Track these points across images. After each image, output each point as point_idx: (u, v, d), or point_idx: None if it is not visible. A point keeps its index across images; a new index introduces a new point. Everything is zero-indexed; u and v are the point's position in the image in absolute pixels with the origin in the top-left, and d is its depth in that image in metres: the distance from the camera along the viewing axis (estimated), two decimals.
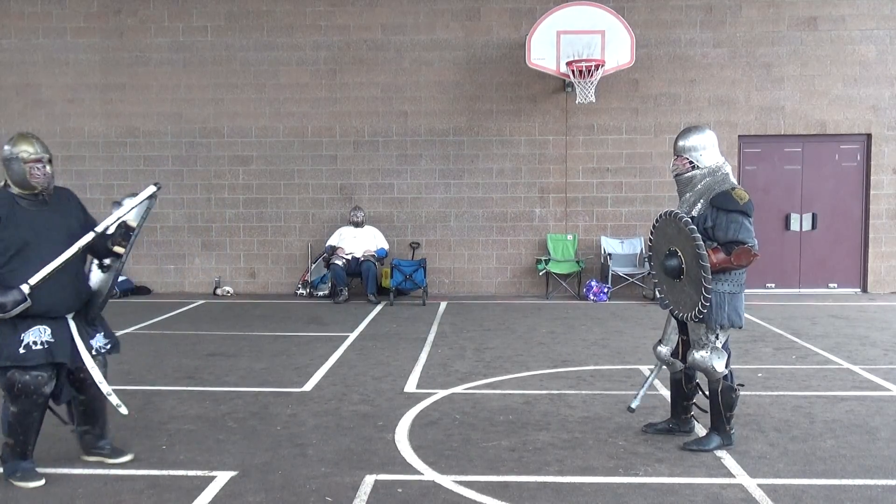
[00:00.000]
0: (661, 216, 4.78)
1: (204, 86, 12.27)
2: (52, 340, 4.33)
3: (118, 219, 4.48)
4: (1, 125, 12.36)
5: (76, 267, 4.47)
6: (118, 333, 8.75)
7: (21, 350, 4.24)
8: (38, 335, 4.29)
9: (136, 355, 7.61)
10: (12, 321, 4.23)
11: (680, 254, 4.61)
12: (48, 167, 4.40)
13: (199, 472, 4.46)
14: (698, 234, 4.49)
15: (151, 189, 4.51)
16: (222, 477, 4.38)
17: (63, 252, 4.32)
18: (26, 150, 4.33)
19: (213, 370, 7.03)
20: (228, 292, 12.19)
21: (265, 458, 4.69)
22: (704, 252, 4.45)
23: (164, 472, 4.46)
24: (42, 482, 4.32)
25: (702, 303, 4.46)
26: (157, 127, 12.34)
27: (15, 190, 4.38)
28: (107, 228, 4.45)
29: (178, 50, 12.24)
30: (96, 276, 4.75)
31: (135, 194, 4.61)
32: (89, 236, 4.39)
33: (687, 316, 4.63)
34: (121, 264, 4.60)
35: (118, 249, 4.49)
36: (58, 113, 12.37)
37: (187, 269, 12.48)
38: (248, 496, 4.12)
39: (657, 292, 4.97)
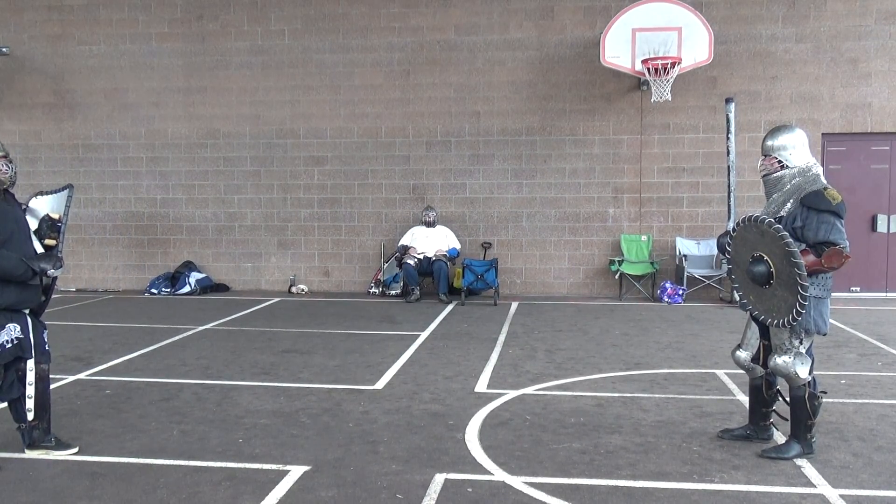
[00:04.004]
0: (738, 224, 4.60)
1: (281, 88, 12.54)
2: (22, 336, 4.58)
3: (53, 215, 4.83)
4: (90, 128, 12.92)
5: None
6: (198, 329, 9.10)
7: None
8: (9, 334, 4.53)
9: (214, 351, 7.85)
10: None
11: (766, 258, 4.43)
12: (12, 164, 4.62)
13: (274, 466, 4.55)
14: (785, 233, 4.32)
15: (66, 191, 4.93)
16: (296, 471, 4.46)
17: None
18: None
19: (288, 366, 7.17)
20: (303, 290, 12.42)
21: (337, 454, 4.76)
22: (795, 248, 4.25)
23: (241, 465, 4.57)
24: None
25: (799, 302, 4.24)
26: (236, 128, 12.68)
27: None
28: (39, 226, 4.78)
29: (256, 53, 12.55)
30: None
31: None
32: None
33: (784, 321, 4.39)
34: (59, 260, 4.79)
35: (49, 242, 4.73)
36: (143, 116, 12.83)
37: (264, 267, 12.78)
38: (320, 491, 4.19)
39: (739, 297, 4.78)
